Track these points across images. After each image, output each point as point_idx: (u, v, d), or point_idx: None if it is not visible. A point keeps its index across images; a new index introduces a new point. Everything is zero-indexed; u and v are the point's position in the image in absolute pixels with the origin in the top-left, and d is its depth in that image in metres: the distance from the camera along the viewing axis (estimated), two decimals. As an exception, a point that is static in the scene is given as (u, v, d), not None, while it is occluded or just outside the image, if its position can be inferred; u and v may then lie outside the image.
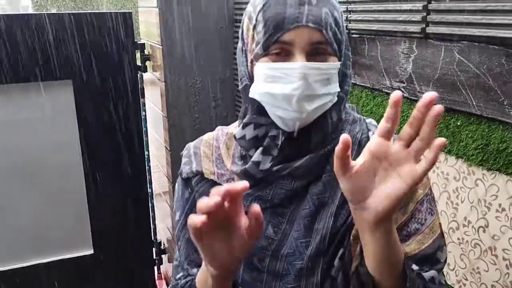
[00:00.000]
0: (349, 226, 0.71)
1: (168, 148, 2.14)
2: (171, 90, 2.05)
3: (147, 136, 2.31)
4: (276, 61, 0.68)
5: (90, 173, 2.21)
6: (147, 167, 2.33)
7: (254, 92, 0.71)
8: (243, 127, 0.76)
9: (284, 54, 0.68)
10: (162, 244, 2.51)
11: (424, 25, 1.09)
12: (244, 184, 0.55)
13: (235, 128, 0.81)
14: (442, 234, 0.74)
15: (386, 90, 1.25)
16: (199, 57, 2.04)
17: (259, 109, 0.73)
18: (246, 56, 0.74)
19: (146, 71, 2.25)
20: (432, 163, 0.54)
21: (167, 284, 2.50)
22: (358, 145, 0.74)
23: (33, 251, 2.24)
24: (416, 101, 1.15)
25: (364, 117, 0.80)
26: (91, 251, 2.31)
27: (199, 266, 0.78)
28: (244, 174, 0.74)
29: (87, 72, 2.11)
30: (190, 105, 2.09)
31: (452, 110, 1.06)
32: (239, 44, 0.76)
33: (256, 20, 0.69)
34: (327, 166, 0.72)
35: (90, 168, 2.20)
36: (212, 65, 2.08)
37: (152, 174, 2.37)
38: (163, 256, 2.51)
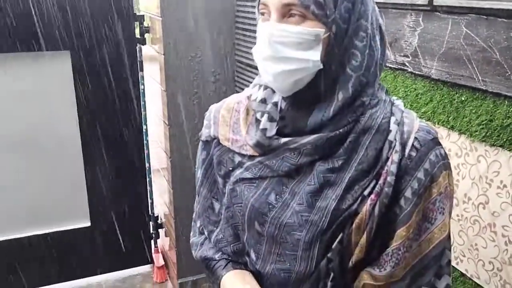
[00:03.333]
0: (353, 213, 0.70)
1: (167, 123, 2.12)
2: (170, 63, 2.02)
3: (145, 110, 2.29)
4: (263, 22, 0.70)
5: (87, 146, 2.20)
6: (145, 141, 2.32)
7: (254, 54, 0.72)
8: (256, 89, 0.78)
9: (267, 16, 0.69)
10: (159, 219, 2.52)
11: (431, -3, 1.07)
12: None
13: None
14: (449, 235, 0.73)
15: (390, 65, 1.23)
16: (199, 30, 2.01)
17: None
18: None
19: (145, 44, 2.22)
20: None
21: (164, 258, 2.51)
22: (377, 130, 0.71)
23: (31, 222, 2.24)
24: (421, 76, 1.13)
25: (394, 99, 0.76)
26: (88, 224, 2.32)
27: (214, 223, 0.87)
28: (255, 146, 0.76)
29: (85, 44, 2.07)
30: (189, 79, 2.07)
31: (457, 85, 1.04)
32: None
33: None
34: (339, 149, 0.71)
35: (87, 141, 2.19)
36: (213, 39, 2.04)
37: (150, 149, 2.36)
38: (160, 230, 2.52)
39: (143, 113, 2.27)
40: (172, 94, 2.06)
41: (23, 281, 2.27)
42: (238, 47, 2.06)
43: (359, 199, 0.70)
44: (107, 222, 2.33)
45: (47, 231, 2.27)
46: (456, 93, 1.04)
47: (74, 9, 2.01)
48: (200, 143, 0.89)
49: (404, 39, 1.17)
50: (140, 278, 2.49)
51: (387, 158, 0.70)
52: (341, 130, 0.70)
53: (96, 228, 2.33)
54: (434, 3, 1.06)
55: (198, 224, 0.92)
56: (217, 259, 0.85)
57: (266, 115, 0.75)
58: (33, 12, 1.94)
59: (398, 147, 0.70)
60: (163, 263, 2.48)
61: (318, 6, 0.65)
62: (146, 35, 2.21)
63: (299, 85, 0.70)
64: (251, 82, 2.13)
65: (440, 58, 1.07)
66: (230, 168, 0.81)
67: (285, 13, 0.67)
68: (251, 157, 0.78)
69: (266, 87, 0.77)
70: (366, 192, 0.70)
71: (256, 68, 2.03)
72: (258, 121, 0.77)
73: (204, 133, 0.87)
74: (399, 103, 0.76)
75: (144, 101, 2.27)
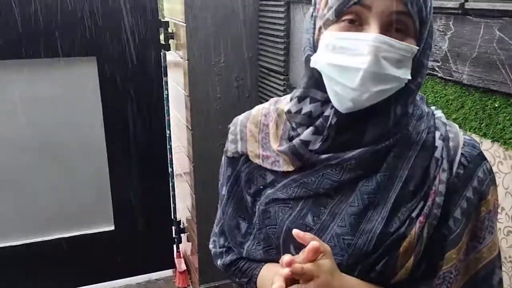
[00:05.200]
0: (401, 237, 0.66)
1: (190, 128, 2.13)
2: (194, 69, 2.03)
3: (169, 115, 2.30)
4: (347, 30, 0.62)
5: (112, 150, 2.22)
6: (168, 147, 2.33)
7: (316, 62, 0.66)
8: (299, 101, 0.71)
9: (357, 23, 0.62)
10: (182, 223, 2.52)
11: (463, 0, 1.04)
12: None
13: (287, 103, 0.76)
14: (499, 253, 0.70)
15: (418, 70, 1.20)
16: (223, 35, 2.01)
17: (317, 83, 0.68)
18: (314, 23, 0.68)
19: (170, 50, 2.24)
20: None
21: (186, 263, 2.51)
22: (422, 146, 0.68)
23: (55, 226, 2.27)
24: (451, 81, 1.10)
25: (433, 110, 0.73)
26: (112, 228, 2.34)
27: (241, 244, 0.81)
28: (291, 152, 0.70)
29: (111, 50, 2.10)
30: (212, 84, 2.07)
31: (489, 91, 1.00)
32: (310, 10, 0.70)
33: None
34: (383, 163, 0.67)
35: (112, 145, 2.22)
36: (236, 44, 2.04)
37: (173, 154, 2.37)
38: (182, 235, 2.52)
39: (166, 118, 2.29)
40: (196, 99, 2.07)
41: (46, 283, 2.30)
42: (261, 52, 2.05)
43: (407, 221, 0.66)
44: (131, 226, 2.35)
45: (71, 234, 2.30)
46: (489, 99, 1.01)
47: (100, 16, 2.04)
48: (225, 158, 0.83)
49: (433, 43, 1.14)
50: (162, 283, 2.50)
51: (434, 177, 0.67)
52: (387, 143, 0.67)
53: (119, 231, 2.35)
54: (466, 7, 1.03)
55: (222, 241, 0.87)
56: (248, 259, 0.81)
57: (311, 128, 0.69)
58: (60, 19, 1.98)
59: (445, 165, 0.67)
60: (185, 268, 2.48)
61: (420, 21, 0.62)
62: (170, 41, 2.23)
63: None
64: (274, 87, 2.12)
65: (472, 63, 1.03)
66: (261, 187, 0.77)
67: (387, 25, 0.61)
68: (284, 174, 0.73)
69: (315, 100, 0.70)
70: (414, 214, 0.66)
71: (279, 73, 2.01)
72: (293, 138, 0.72)
73: (230, 149, 0.81)
74: (440, 114, 0.73)
75: (168, 107, 2.28)
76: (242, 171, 0.79)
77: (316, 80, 0.68)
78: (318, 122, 0.68)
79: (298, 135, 0.71)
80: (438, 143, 0.68)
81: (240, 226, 0.82)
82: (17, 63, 2.01)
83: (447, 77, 1.11)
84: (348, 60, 0.61)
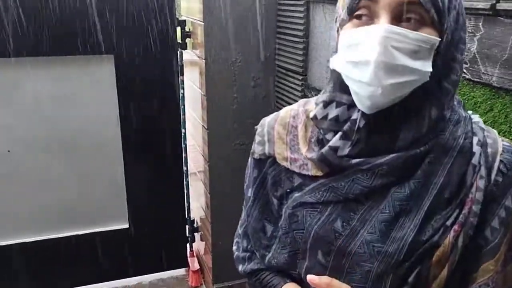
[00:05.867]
0: (434, 245, 0.64)
1: (206, 127, 2.12)
2: (211, 68, 2.02)
3: (184, 114, 2.30)
4: (358, 26, 0.62)
5: (128, 149, 2.23)
6: (183, 145, 2.33)
7: (333, 63, 0.65)
8: (325, 106, 0.70)
9: (368, 18, 0.61)
10: (195, 223, 2.52)
11: (494, 1, 1.02)
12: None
13: (314, 104, 0.74)
14: None
15: (445, 71, 1.18)
16: (240, 35, 2.00)
17: (341, 86, 0.66)
18: (337, 28, 0.68)
19: (186, 48, 2.23)
20: None
21: (199, 262, 2.51)
22: (459, 152, 0.65)
23: (70, 223, 2.28)
24: (480, 83, 1.08)
25: (470, 115, 0.70)
26: (126, 226, 2.34)
27: (266, 247, 0.79)
28: (319, 160, 0.69)
29: (128, 48, 2.10)
30: (229, 84, 2.06)
31: (521, 94, 0.99)
32: (335, 16, 0.69)
33: None
34: (418, 170, 0.65)
35: (128, 144, 2.22)
36: (253, 44, 2.03)
37: (188, 153, 2.37)
38: (195, 234, 2.52)
39: (182, 117, 2.29)
40: (212, 99, 2.06)
41: (59, 280, 2.31)
42: (279, 52, 2.04)
43: (441, 230, 0.64)
44: (145, 224, 2.35)
45: (85, 231, 2.31)
46: (521, 103, 0.99)
47: (118, 14, 2.04)
48: (251, 160, 0.82)
49: (461, 45, 1.13)
50: (175, 282, 2.50)
51: (471, 184, 0.64)
52: (422, 148, 0.64)
53: (134, 230, 2.36)
54: (498, 7, 1.01)
55: (246, 244, 0.85)
56: (270, 272, 0.80)
57: (339, 133, 0.67)
58: (78, 17, 1.99)
59: (483, 172, 0.64)
60: (198, 267, 2.48)
61: (437, 11, 0.60)
62: (187, 40, 2.22)
63: (396, 100, 0.62)
64: (291, 88, 2.10)
65: (503, 65, 1.01)
66: (288, 190, 0.75)
67: (398, 16, 0.59)
68: (313, 178, 0.71)
69: (340, 104, 0.68)
70: (448, 223, 0.64)
71: (297, 73, 2.00)
72: (322, 141, 0.70)
73: (257, 151, 0.79)
74: (478, 119, 0.70)
75: (184, 106, 2.28)
76: (269, 173, 0.78)
77: (340, 83, 0.66)
78: (346, 127, 0.67)
79: (327, 140, 0.69)
80: (476, 149, 0.65)
81: (265, 229, 0.80)
82: (35, 60, 2.02)
83: (475, 79, 1.09)
84: (360, 55, 0.60)
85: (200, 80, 2.13)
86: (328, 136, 0.69)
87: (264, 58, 2.06)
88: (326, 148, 0.68)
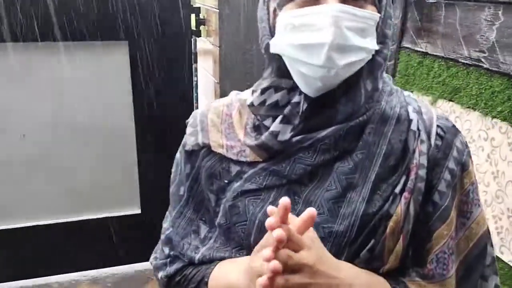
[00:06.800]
0: (385, 216, 0.62)
1: (218, 115, 2.12)
2: (225, 56, 2.02)
3: (197, 102, 2.31)
4: (302, 6, 0.59)
5: (141, 134, 2.24)
6: (195, 133, 2.33)
7: (275, 45, 0.62)
8: (262, 92, 0.67)
9: None
10: (206, 210, 2.53)
11: (515, -11, 1.00)
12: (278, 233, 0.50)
13: (247, 93, 0.73)
14: (488, 229, 0.66)
15: (463, 60, 1.17)
16: (256, 23, 1.99)
17: (280, 70, 0.64)
18: (268, 8, 0.65)
19: (200, 36, 2.23)
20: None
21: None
22: (397, 120, 0.65)
23: (82, 207, 2.31)
24: (498, 72, 1.07)
25: (401, 89, 0.71)
26: (138, 211, 2.37)
27: (195, 248, 0.73)
28: (259, 146, 0.66)
29: (142, 34, 2.11)
30: (243, 72, 2.06)
31: (540, 84, 0.97)
32: None
33: None
34: (359, 141, 0.63)
35: (141, 129, 2.24)
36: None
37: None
38: (206, 221, 2.54)
39: (195, 105, 2.29)
40: (226, 87, 2.07)
41: (70, 264, 2.35)
42: (294, 41, 2.03)
43: (391, 198, 0.62)
44: (157, 210, 2.37)
45: (98, 216, 2.34)
46: (539, 92, 0.98)
47: (132, 0, 2.05)
48: (180, 154, 0.77)
49: (480, 33, 1.11)
50: (185, 268, 2.52)
51: (414, 150, 0.63)
52: (360, 119, 0.63)
53: (145, 215, 2.38)
54: (518, -5, 1.00)
55: (168, 251, 0.78)
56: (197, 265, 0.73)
57: (279, 117, 0.64)
58: (93, 2, 1.99)
59: (424, 137, 0.64)
60: (208, 254, 2.50)
61: None
62: (201, 27, 2.22)
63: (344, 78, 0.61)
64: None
65: (522, 54, 1.00)
66: (226, 181, 0.70)
67: None
68: (251, 164, 0.67)
69: (280, 89, 0.65)
70: (397, 190, 0.63)
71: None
72: (259, 127, 0.67)
73: (190, 142, 0.74)
74: (409, 93, 0.71)
75: (197, 93, 2.29)
76: (203, 166, 0.73)
77: (278, 67, 0.65)
78: (287, 111, 0.64)
79: (265, 127, 0.66)
80: (413, 116, 0.66)
81: (199, 230, 0.75)
82: (49, 45, 2.04)
83: (493, 69, 1.08)
84: (311, 37, 0.57)
85: (214, 68, 2.13)
86: (266, 123, 0.66)
87: (278, 47, 2.05)
88: (266, 134, 0.65)
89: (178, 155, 0.78)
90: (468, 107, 1.11)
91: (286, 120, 0.64)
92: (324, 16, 0.56)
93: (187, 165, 0.75)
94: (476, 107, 1.08)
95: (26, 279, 2.31)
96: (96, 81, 2.15)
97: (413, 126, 0.65)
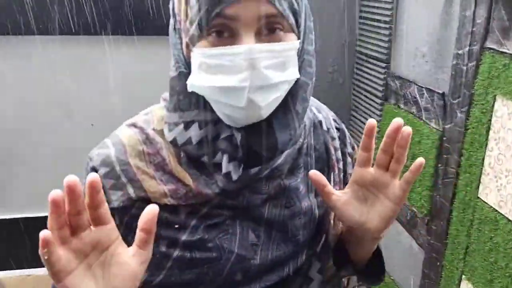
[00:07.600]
0: (327, 211, 0.71)
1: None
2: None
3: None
4: (216, 45, 0.54)
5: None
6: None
7: (193, 86, 0.57)
8: (186, 128, 0.60)
9: (228, 34, 0.54)
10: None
11: None
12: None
13: (158, 122, 0.65)
14: None
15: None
16: (320, 18, 1.96)
17: (199, 103, 0.59)
18: (180, 37, 0.59)
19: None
20: (411, 182, 0.58)
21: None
22: (314, 126, 0.71)
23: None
24: None
25: None
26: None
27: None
28: (222, 195, 0.61)
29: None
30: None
31: None
32: (171, 21, 0.61)
33: None
34: (299, 160, 0.67)
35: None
36: (334, 28, 1.98)
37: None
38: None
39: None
40: (288, 83, 2.05)
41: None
42: (361, 38, 1.98)
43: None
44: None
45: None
46: None
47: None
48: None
49: None
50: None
51: (330, 148, 0.72)
52: (301, 140, 0.66)
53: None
54: None
55: None
56: None
57: (225, 157, 0.59)
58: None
59: (334, 134, 0.73)
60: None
61: (293, 14, 0.56)
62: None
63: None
64: (372, 75, 2.03)
65: None
66: (176, 226, 0.61)
67: (261, 28, 0.54)
68: (203, 203, 0.61)
69: (204, 123, 0.59)
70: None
71: (380, 60, 1.92)
72: (196, 161, 0.61)
73: (116, 198, 0.60)
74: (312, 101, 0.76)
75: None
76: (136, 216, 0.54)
77: (197, 100, 0.59)
78: (225, 146, 0.59)
79: (203, 164, 0.61)
80: (320, 116, 0.72)
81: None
82: (93, 39, 2.05)
83: None
84: (228, 80, 0.53)
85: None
86: (204, 159, 0.60)
87: (344, 43, 2.01)
88: (221, 179, 0.60)
89: None
90: None
91: (231, 157, 0.59)
92: (240, 58, 0.53)
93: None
94: None
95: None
96: (136, 76, 2.12)
97: (324, 126, 0.72)
